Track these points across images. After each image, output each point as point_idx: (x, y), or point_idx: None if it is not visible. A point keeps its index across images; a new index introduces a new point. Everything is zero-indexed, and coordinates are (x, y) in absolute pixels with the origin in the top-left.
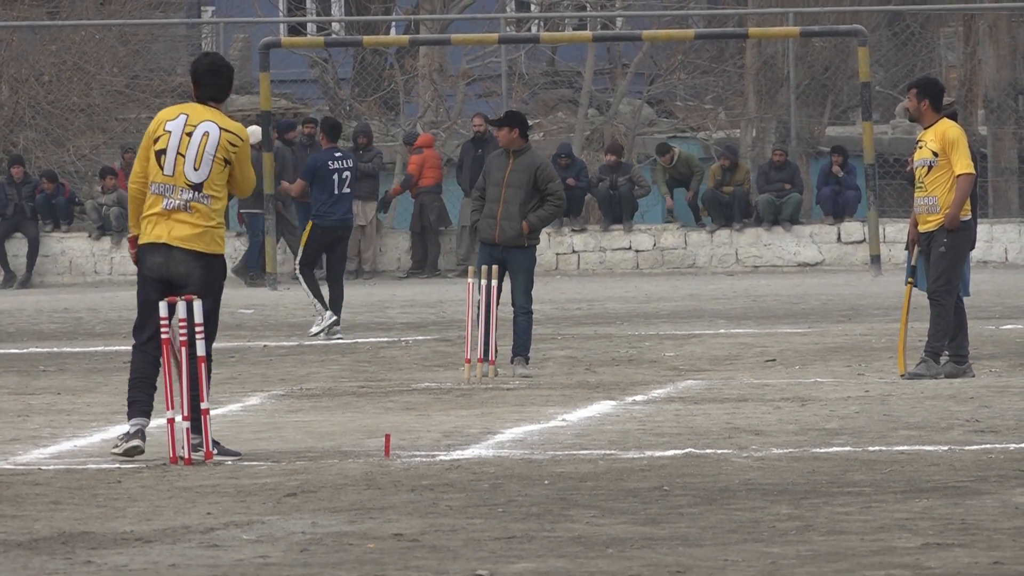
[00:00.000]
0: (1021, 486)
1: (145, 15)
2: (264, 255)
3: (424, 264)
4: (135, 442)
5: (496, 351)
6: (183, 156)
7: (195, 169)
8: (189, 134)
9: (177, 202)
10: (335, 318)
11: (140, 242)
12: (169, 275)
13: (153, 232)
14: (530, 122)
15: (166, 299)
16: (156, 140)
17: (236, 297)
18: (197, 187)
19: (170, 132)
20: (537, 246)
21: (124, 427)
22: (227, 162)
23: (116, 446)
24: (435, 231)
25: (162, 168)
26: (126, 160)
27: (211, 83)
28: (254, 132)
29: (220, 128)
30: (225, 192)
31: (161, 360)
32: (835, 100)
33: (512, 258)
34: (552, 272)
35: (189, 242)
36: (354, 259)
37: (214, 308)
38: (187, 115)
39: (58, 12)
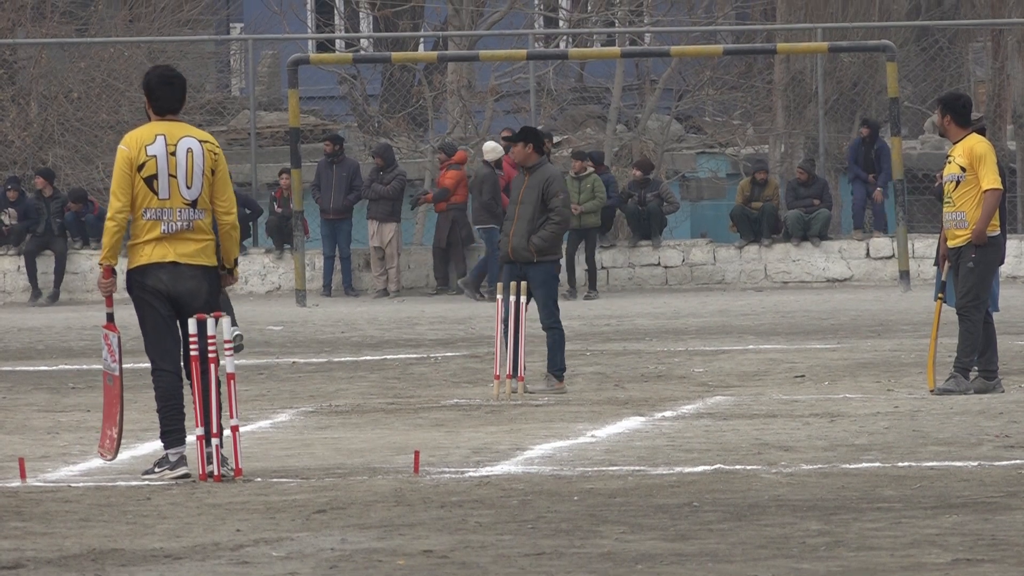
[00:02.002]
0: None
1: (174, 32)
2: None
3: (448, 281)
4: (183, 469)
5: (524, 367)
6: (175, 177)
7: (188, 187)
8: (173, 154)
9: (179, 223)
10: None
11: (137, 264)
12: (176, 292)
13: (155, 253)
14: (558, 138)
15: (195, 317)
16: (141, 167)
17: (265, 314)
18: (192, 204)
19: (155, 156)
20: (558, 262)
21: (154, 444)
22: (213, 172)
23: (151, 471)
24: (463, 248)
25: (157, 193)
26: None
27: (165, 95)
28: (493, 148)
29: (199, 141)
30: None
31: (189, 378)
32: (864, 115)
33: (529, 274)
34: (581, 288)
35: (195, 258)
36: (380, 279)
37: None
38: (163, 135)
39: (87, 29)
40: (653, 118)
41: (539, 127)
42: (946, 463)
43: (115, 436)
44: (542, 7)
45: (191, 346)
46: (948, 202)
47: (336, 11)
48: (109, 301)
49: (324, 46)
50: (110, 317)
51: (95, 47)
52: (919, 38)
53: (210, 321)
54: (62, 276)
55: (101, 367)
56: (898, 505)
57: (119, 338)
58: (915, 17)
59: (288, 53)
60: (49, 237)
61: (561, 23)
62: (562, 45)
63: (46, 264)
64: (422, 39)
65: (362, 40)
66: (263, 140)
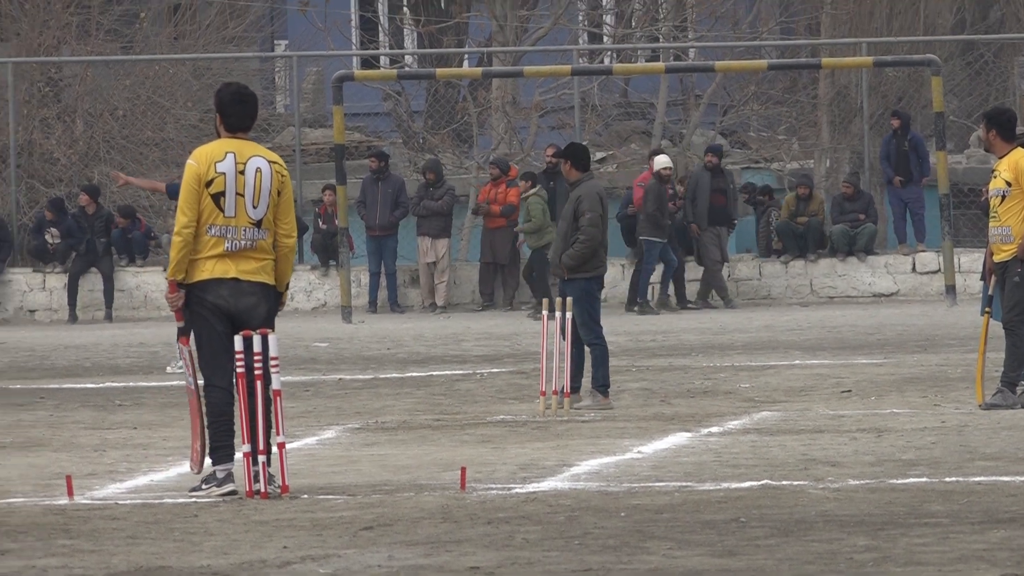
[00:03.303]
0: None
1: (219, 49)
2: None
3: (493, 298)
4: (230, 486)
5: (571, 384)
6: (242, 196)
7: (254, 207)
8: (242, 172)
9: (242, 242)
10: None
11: (198, 278)
12: (236, 308)
13: (217, 268)
14: (603, 154)
15: (241, 333)
16: (209, 183)
17: (311, 331)
18: (257, 224)
19: (224, 174)
20: (595, 277)
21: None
22: (279, 193)
23: (199, 488)
24: (517, 265)
25: (223, 211)
26: None
27: (237, 112)
28: (664, 161)
29: (268, 162)
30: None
31: (236, 394)
32: (895, 108)
33: (567, 291)
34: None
35: (256, 275)
36: (429, 295)
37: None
38: (233, 153)
39: (132, 47)
40: (698, 133)
41: (584, 143)
42: (993, 478)
43: (198, 448)
44: (586, 23)
45: (239, 363)
46: (994, 216)
47: (380, 28)
48: (179, 315)
49: (369, 63)
50: (181, 331)
51: (140, 64)
52: (964, 52)
53: (257, 338)
54: (112, 297)
55: (183, 383)
56: (945, 520)
57: (191, 351)
58: (960, 31)
59: (333, 70)
60: (93, 256)
61: (605, 39)
62: (606, 60)
63: (92, 282)
64: (466, 55)
65: (406, 56)
66: (308, 157)
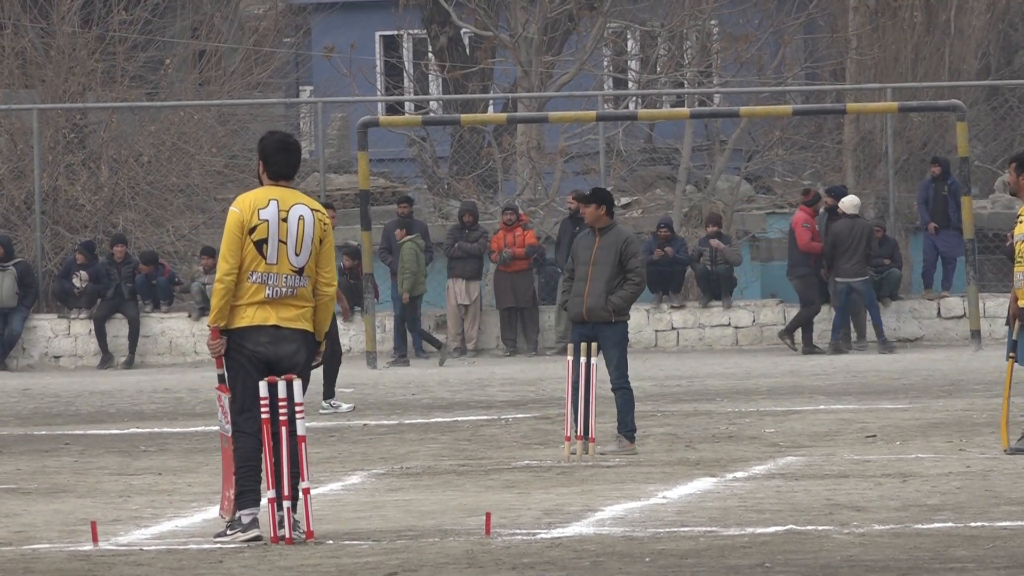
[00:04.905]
0: None
1: (243, 95)
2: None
3: (516, 343)
4: (255, 532)
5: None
6: (285, 243)
7: (297, 254)
8: (284, 220)
9: (283, 289)
10: None
11: (238, 325)
12: (276, 355)
13: (257, 315)
14: (628, 199)
15: (266, 379)
16: (252, 230)
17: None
18: (299, 271)
19: (267, 221)
20: (628, 322)
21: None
22: (321, 242)
23: (224, 534)
24: (536, 309)
25: (265, 257)
26: None
27: (281, 160)
28: (855, 204)
29: (311, 210)
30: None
31: (263, 440)
32: (935, 154)
33: (602, 334)
34: (651, 349)
35: (296, 322)
36: (457, 338)
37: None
38: (276, 200)
39: (157, 93)
40: (723, 178)
41: (609, 188)
42: (1019, 523)
43: (231, 497)
44: (611, 68)
45: (264, 408)
46: (1019, 261)
47: (405, 73)
48: (219, 362)
49: (393, 108)
50: (221, 378)
51: (165, 111)
52: (989, 97)
53: (282, 384)
54: (136, 342)
55: (217, 428)
56: (971, 565)
57: (230, 399)
58: (985, 76)
59: (357, 115)
60: (119, 301)
61: (630, 84)
62: (631, 106)
63: (116, 328)
64: (491, 101)
65: (431, 102)
66: (333, 202)
